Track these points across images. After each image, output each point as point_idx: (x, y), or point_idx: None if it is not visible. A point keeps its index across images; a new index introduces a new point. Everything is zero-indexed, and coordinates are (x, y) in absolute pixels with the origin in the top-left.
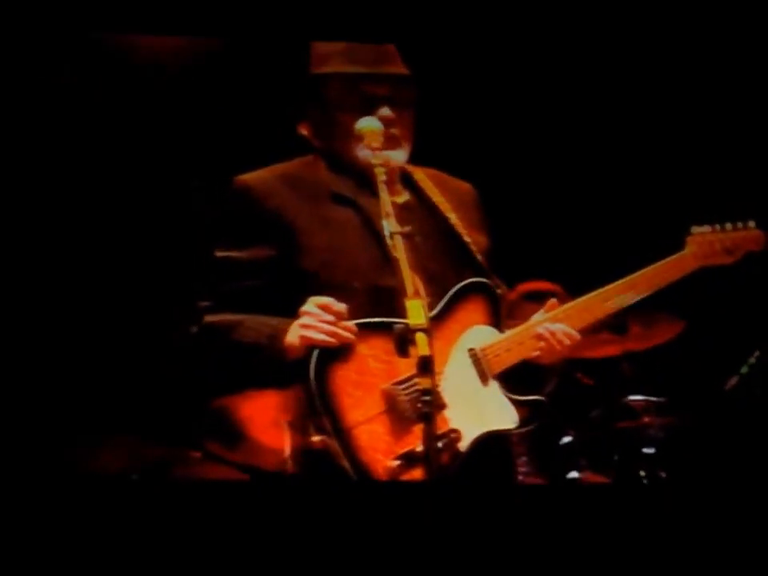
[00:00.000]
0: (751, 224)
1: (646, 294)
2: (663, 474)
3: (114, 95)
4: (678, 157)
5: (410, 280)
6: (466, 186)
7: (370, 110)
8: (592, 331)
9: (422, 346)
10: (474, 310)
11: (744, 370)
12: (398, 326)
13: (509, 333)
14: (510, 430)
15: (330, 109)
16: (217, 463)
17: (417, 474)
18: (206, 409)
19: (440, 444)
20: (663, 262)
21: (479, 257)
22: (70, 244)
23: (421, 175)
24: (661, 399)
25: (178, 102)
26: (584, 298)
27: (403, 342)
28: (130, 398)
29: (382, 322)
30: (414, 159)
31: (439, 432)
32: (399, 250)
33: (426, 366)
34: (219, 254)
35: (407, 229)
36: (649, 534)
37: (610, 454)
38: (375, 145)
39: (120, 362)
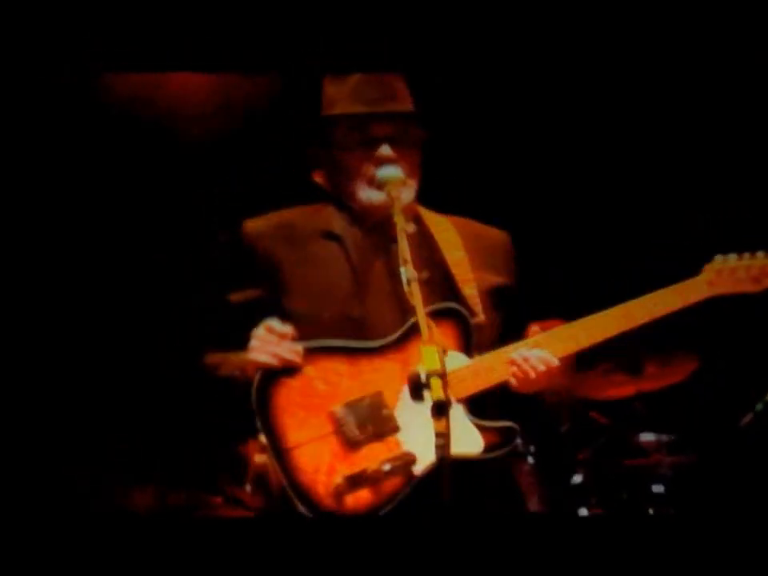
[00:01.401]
0: None
1: (642, 323)
2: (671, 512)
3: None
4: (706, 190)
5: (426, 326)
6: (496, 234)
7: (371, 150)
8: (606, 373)
9: (435, 390)
10: (441, 335)
11: (759, 407)
12: (413, 371)
13: (478, 358)
14: (472, 456)
15: (337, 151)
16: (238, 507)
17: (363, 495)
18: (225, 453)
19: (389, 467)
20: (666, 289)
21: (467, 288)
22: (93, 294)
23: (435, 218)
24: (671, 437)
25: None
26: (567, 325)
27: (417, 386)
28: (157, 443)
29: (333, 346)
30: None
31: (390, 455)
32: (416, 297)
33: (440, 410)
34: (220, 296)
35: (424, 275)
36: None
37: (620, 492)
38: (395, 193)
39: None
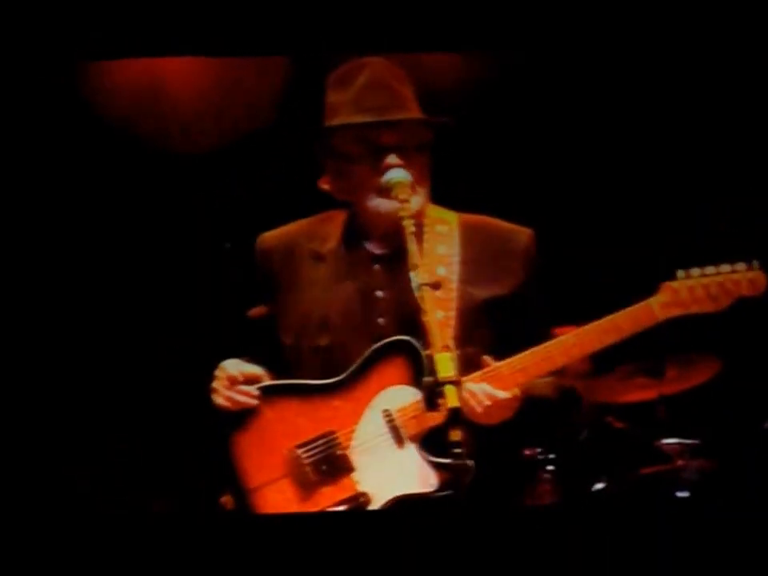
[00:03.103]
0: (740, 265)
1: (591, 351)
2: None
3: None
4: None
5: (438, 333)
6: (513, 234)
7: (378, 159)
8: (626, 377)
9: (450, 398)
10: (393, 369)
11: None
12: (427, 378)
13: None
14: (426, 494)
15: (343, 161)
16: None
17: None
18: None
19: (343, 508)
20: (618, 313)
21: (439, 311)
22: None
23: (440, 224)
24: (695, 441)
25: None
26: (518, 356)
27: (432, 394)
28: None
29: (288, 384)
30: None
31: (344, 496)
32: (428, 302)
33: (455, 418)
34: (238, 310)
35: (435, 280)
36: None
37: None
38: (403, 197)
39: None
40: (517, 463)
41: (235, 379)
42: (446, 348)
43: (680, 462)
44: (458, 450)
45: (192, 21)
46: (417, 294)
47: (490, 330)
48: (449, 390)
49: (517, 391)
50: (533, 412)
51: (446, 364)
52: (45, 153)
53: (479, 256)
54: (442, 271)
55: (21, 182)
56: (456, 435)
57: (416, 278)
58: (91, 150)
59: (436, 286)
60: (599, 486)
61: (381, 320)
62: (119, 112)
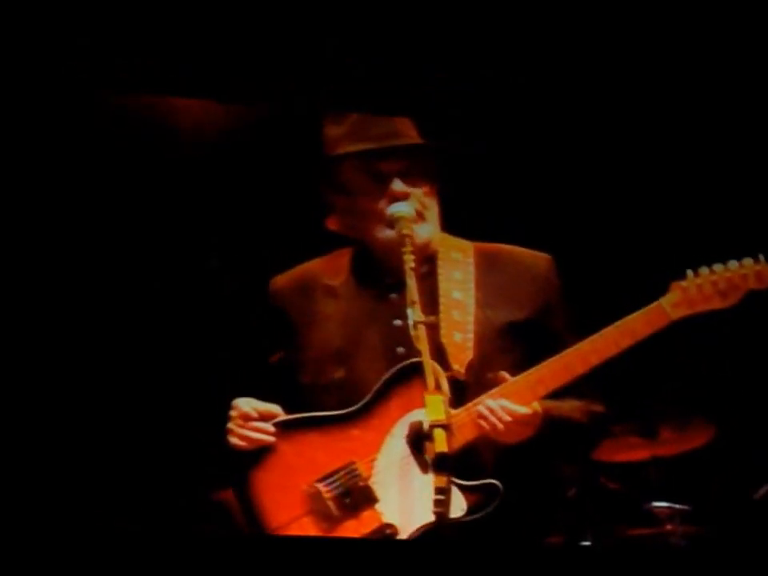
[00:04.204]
0: (747, 260)
1: (610, 356)
2: None
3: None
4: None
5: (432, 373)
6: (530, 260)
7: (383, 188)
8: (619, 435)
9: (439, 442)
10: (412, 393)
11: None
12: (415, 421)
13: (450, 415)
14: (458, 519)
15: (348, 194)
16: None
17: None
18: None
19: None
20: (631, 316)
21: (457, 334)
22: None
23: (455, 251)
24: (685, 507)
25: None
26: (536, 368)
27: (419, 437)
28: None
29: (304, 417)
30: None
31: (370, 529)
32: (422, 341)
33: (442, 464)
34: (257, 356)
35: (432, 319)
36: None
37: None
38: (405, 231)
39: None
40: (546, 486)
41: (249, 416)
42: (437, 389)
43: (668, 527)
44: (441, 497)
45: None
46: (412, 332)
47: (510, 355)
48: (438, 433)
49: (537, 406)
50: (561, 435)
51: (436, 406)
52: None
53: (496, 280)
54: (458, 295)
55: (26, 210)
56: (441, 482)
57: (413, 315)
58: (99, 185)
59: (432, 325)
60: (585, 543)
61: (400, 349)
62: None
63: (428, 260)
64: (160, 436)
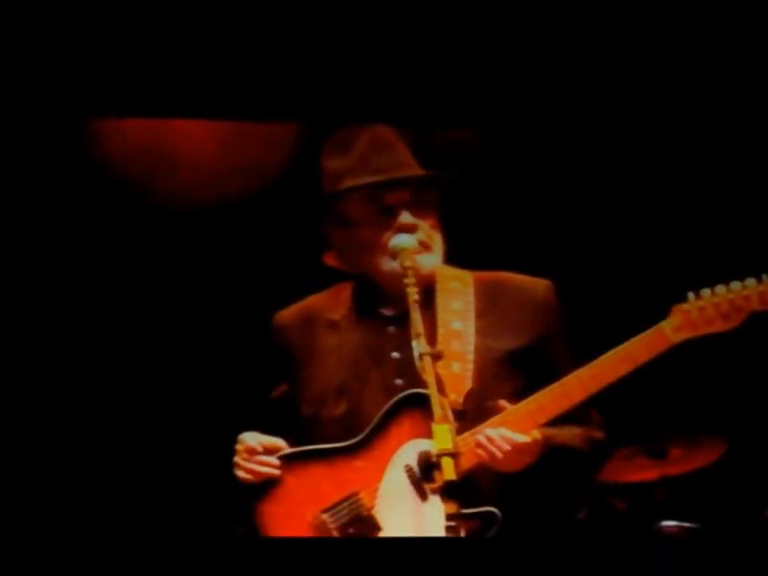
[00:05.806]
0: (750, 281)
1: (609, 382)
2: None
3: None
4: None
5: (438, 403)
6: (530, 287)
7: (387, 220)
8: (628, 457)
9: (447, 470)
10: (411, 423)
11: None
12: (423, 450)
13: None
14: None
15: (350, 227)
16: None
17: None
18: None
19: None
20: (631, 341)
21: (456, 364)
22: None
23: (454, 282)
24: (695, 525)
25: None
26: (534, 396)
27: (428, 466)
28: None
29: (308, 450)
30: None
31: None
32: (428, 372)
33: (450, 491)
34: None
35: (437, 350)
36: None
37: None
38: (408, 263)
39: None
40: (547, 515)
41: (254, 450)
42: (444, 419)
43: None
44: (452, 524)
45: (200, 84)
46: (418, 363)
47: (510, 383)
48: (446, 461)
49: (537, 434)
50: (561, 463)
51: (443, 436)
52: (48, 210)
53: (496, 308)
54: (457, 325)
55: (23, 242)
56: (451, 509)
57: (419, 347)
58: (97, 217)
59: (438, 356)
60: None
61: (399, 381)
62: (124, 170)
63: (426, 291)
64: (160, 441)
